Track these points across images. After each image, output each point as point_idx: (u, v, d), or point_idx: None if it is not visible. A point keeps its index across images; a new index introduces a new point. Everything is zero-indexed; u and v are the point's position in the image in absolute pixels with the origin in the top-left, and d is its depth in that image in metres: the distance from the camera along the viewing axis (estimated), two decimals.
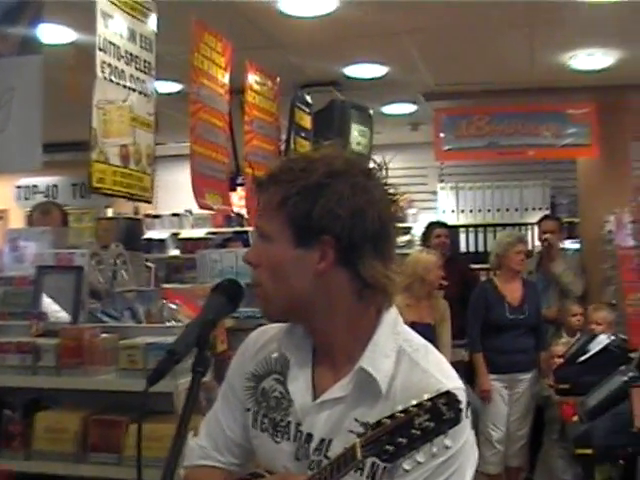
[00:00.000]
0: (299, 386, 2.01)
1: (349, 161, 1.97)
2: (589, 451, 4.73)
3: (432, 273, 6.87)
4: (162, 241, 12.39)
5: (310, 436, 1.97)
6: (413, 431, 1.63)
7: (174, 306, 4.49)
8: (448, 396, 1.65)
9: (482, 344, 7.25)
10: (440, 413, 1.63)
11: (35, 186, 11.78)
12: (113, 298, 4.38)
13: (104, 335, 4.02)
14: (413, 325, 5.96)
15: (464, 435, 1.88)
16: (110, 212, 11.43)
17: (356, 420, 1.90)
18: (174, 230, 12.63)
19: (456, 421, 1.65)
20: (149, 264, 5.47)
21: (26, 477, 4.00)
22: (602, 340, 6.19)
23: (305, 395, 2.00)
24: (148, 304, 4.40)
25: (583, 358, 6.13)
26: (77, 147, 9.96)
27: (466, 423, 1.87)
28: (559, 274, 8.13)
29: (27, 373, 4.01)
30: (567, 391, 6.09)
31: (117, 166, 4.58)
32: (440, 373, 1.94)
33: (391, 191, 2.00)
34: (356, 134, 8.95)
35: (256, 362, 2.14)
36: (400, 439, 1.64)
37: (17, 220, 13.06)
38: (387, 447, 1.66)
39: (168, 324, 4.29)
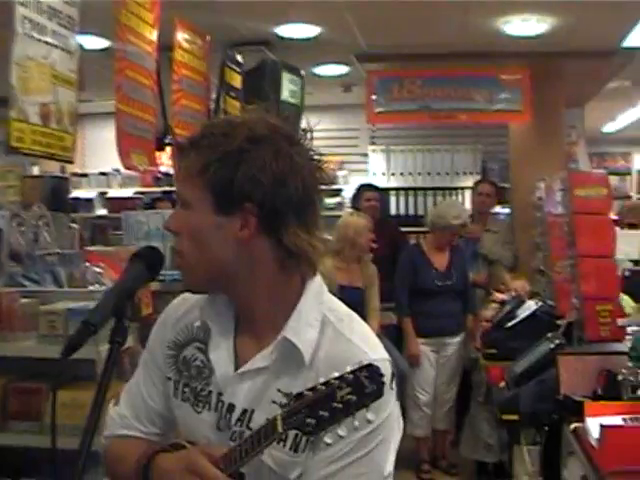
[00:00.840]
0: (221, 355, 1.98)
1: (272, 126, 1.92)
2: (515, 417, 4.76)
3: (363, 237, 6.85)
4: (89, 200, 12.22)
5: (232, 406, 1.94)
6: (335, 404, 1.61)
7: (98, 269, 4.40)
8: (370, 369, 1.63)
9: (410, 308, 7.27)
10: (362, 386, 1.61)
11: None
12: (34, 261, 4.27)
13: (24, 300, 3.94)
14: (343, 288, 5.94)
15: (388, 408, 1.87)
16: (36, 170, 11.19)
17: (279, 391, 1.87)
18: (102, 189, 12.46)
19: (378, 394, 1.63)
20: (73, 225, 5.34)
21: None
22: (530, 306, 6.22)
23: (227, 364, 1.96)
24: (70, 267, 4.31)
25: (511, 324, 6.16)
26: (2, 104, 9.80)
27: (390, 396, 1.86)
28: (486, 252, 8.16)
29: None
30: (494, 356, 6.13)
31: (37, 125, 4.42)
32: (364, 343, 1.92)
33: (316, 157, 1.95)
34: (287, 94, 8.84)
35: (177, 330, 2.09)
36: (322, 412, 1.63)
37: None
38: (309, 420, 1.64)
39: (91, 288, 4.20)
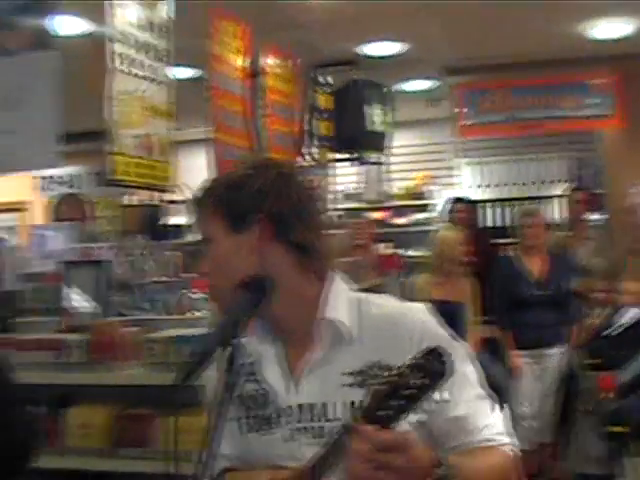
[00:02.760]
0: (274, 372, 2.09)
1: (269, 159, 2.42)
2: (623, 429, 4.69)
3: (457, 250, 6.84)
4: (180, 227, 12.35)
5: (302, 406, 2.03)
6: (408, 392, 1.64)
7: (199, 295, 4.48)
8: (435, 351, 1.67)
9: (509, 320, 7.20)
10: (431, 370, 1.64)
11: (59, 176, 11.76)
12: (140, 290, 4.36)
13: (132, 329, 4.00)
14: (439, 303, 5.91)
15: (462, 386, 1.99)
16: (133, 199, 11.40)
17: (342, 374, 1.98)
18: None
19: (444, 373, 1.66)
20: (173, 253, 5.44)
21: (58, 473, 4.00)
22: (634, 313, 6.11)
23: (283, 376, 2.08)
24: (174, 295, 4.39)
25: (615, 332, 6.06)
26: (98, 136, 9.99)
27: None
28: (585, 261, 8.03)
29: (56, 369, 4.01)
30: (599, 366, 6.03)
31: (136, 157, 4.54)
32: (401, 303, 2.14)
33: (304, 179, 2.20)
34: (374, 113, 8.91)
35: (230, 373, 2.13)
36: (397, 402, 1.65)
37: (39, 211, 13.10)
38: (385, 412, 1.66)
39: (195, 314, 4.28)
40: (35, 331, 4.23)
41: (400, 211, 11.85)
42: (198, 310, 4.35)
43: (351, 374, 1.96)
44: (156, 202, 8.85)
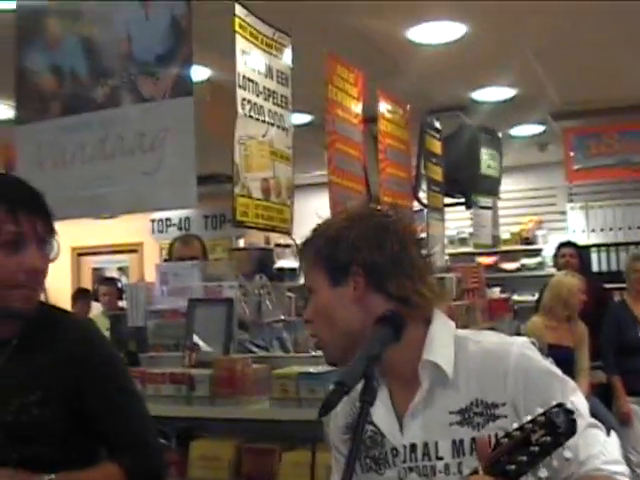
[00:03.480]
0: (382, 415, 2.16)
1: (367, 208, 2.34)
2: None
3: (575, 297, 6.84)
4: (293, 270, 12.52)
5: (413, 446, 2.09)
6: (531, 448, 1.67)
7: None
8: (560, 408, 1.69)
9: (618, 366, 7.15)
10: (555, 426, 1.67)
11: (169, 219, 12.04)
12: (261, 328, 4.48)
13: (255, 365, 4.12)
14: (551, 347, 5.89)
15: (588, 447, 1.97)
16: (242, 243, 11.61)
17: (447, 412, 2.06)
18: None
19: (572, 432, 1.69)
20: (289, 294, 5.57)
21: None
22: None
23: (390, 418, 2.15)
24: (295, 333, 4.49)
25: None
26: (209, 180, 10.21)
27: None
28: None
29: (182, 403, 4.13)
30: None
31: (259, 199, 4.68)
32: (500, 339, 2.17)
33: (408, 222, 2.29)
34: (486, 158, 8.96)
35: (344, 414, 2.26)
36: (520, 457, 1.68)
37: (152, 252, 13.41)
38: (509, 467, 1.69)
39: (314, 353, 4.37)
40: (160, 366, 4.37)
41: (508, 256, 11.84)
42: (316, 349, 4.44)
43: (455, 413, 2.04)
44: (268, 246, 9.03)
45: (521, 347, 2.09)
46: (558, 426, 1.67)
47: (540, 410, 1.71)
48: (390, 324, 2.08)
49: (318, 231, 2.23)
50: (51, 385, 2.29)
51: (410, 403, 2.11)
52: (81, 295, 10.31)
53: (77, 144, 4.06)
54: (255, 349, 4.38)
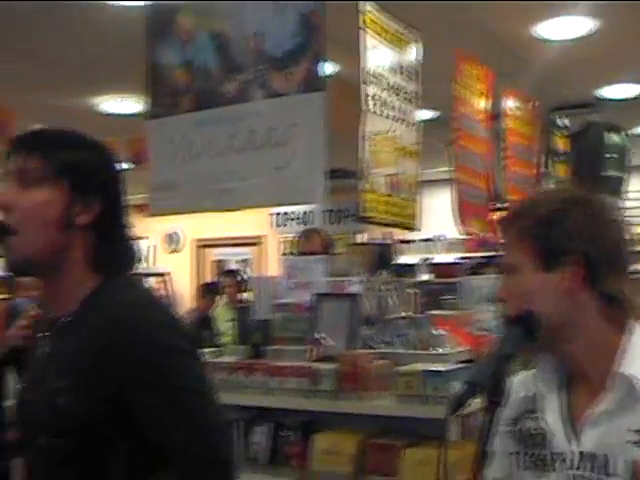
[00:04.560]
0: (555, 417, 2.06)
1: (581, 194, 2.13)
2: None
3: None
4: (412, 266, 12.49)
5: (590, 456, 1.98)
6: None
7: (442, 332, 4.55)
8: None
9: None
10: None
11: (290, 213, 12.13)
12: (385, 324, 4.47)
13: (379, 361, 4.12)
14: None
15: None
16: (363, 237, 11.62)
17: (628, 430, 1.92)
18: (425, 255, 12.72)
19: None
20: (412, 290, 5.55)
21: None
22: None
23: (564, 420, 2.04)
24: (419, 330, 4.47)
25: None
26: (330, 175, 10.25)
27: None
28: None
29: (305, 396, 4.16)
30: None
31: (385, 195, 4.68)
32: None
33: (622, 218, 2.13)
34: (613, 156, 8.78)
35: (511, 406, 2.16)
36: None
37: (272, 246, 13.55)
38: None
39: (439, 351, 4.35)
40: (284, 359, 4.41)
41: (636, 256, 11.57)
42: (440, 347, 4.42)
43: (634, 431, 1.90)
44: (388, 241, 9.02)
45: None
46: None
47: None
48: (524, 324, 2.02)
49: (524, 208, 2.11)
50: (82, 373, 2.05)
51: (589, 409, 2.00)
52: (207, 289, 10.47)
53: (207, 138, 4.12)
54: (379, 345, 4.37)
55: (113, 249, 2.19)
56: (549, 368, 2.12)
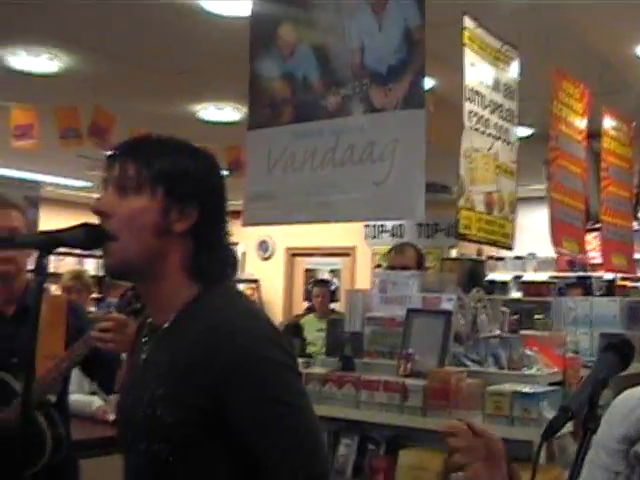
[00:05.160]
0: None
1: None
2: None
3: None
4: (504, 283, 12.43)
5: None
6: None
7: (532, 353, 4.51)
8: None
9: None
10: None
11: (382, 225, 12.13)
12: (476, 343, 4.45)
13: (469, 379, 4.10)
14: None
15: None
16: (454, 253, 11.59)
17: None
18: (516, 272, 12.64)
19: None
20: (504, 309, 5.52)
21: None
22: None
23: None
24: (509, 350, 4.44)
25: None
26: (429, 188, 10.25)
27: None
28: None
29: (394, 411, 4.16)
30: None
31: (482, 213, 4.67)
32: None
33: None
34: None
35: (628, 424, 2.10)
36: None
37: (364, 257, 13.59)
38: None
39: (528, 372, 4.32)
40: (375, 372, 4.41)
41: None
42: (530, 367, 4.39)
43: None
44: (481, 258, 9.01)
45: None
46: None
47: None
48: (617, 351, 2.02)
49: None
50: (180, 381, 2.07)
51: None
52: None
53: (307, 151, 4.15)
54: (469, 363, 4.35)
55: (212, 257, 2.21)
56: None
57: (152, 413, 2.07)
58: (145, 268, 2.16)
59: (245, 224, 4.47)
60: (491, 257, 12.11)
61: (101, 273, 14.26)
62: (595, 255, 8.07)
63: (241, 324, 2.10)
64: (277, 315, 13.82)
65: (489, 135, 4.79)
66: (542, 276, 12.30)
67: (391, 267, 5.85)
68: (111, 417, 5.31)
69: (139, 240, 2.13)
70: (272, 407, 2.06)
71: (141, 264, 2.15)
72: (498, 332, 4.75)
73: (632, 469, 2.06)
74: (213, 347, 2.05)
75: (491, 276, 12.03)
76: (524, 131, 8.42)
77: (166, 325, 2.18)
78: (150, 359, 2.20)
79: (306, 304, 10.52)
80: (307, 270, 15.13)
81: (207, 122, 9.33)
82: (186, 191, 2.16)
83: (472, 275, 8.46)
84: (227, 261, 2.29)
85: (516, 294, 12.30)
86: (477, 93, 4.72)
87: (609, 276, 10.06)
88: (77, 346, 3.53)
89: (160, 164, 2.15)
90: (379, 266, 11.38)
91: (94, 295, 10.30)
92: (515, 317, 8.61)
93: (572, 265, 11.60)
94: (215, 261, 2.22)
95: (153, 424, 2.08)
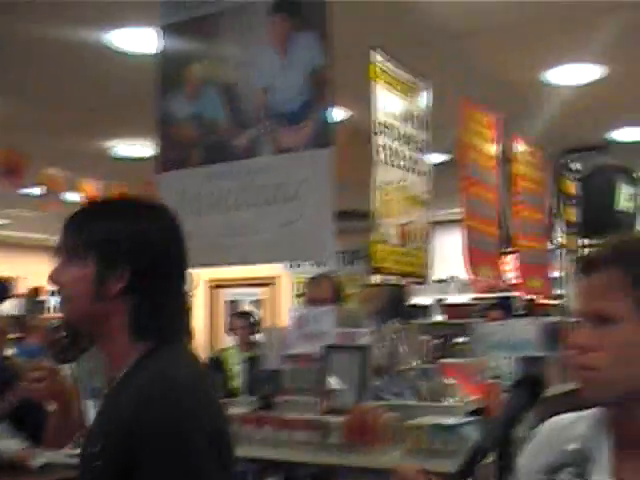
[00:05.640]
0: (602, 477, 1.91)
1: None
2: None
3: None
4: (426, 307, 12.49)
5: None
6: None
7: (451, 382, 4.53)
8: None
9: None
10: None
11: None
12: (395, 375, 4.45)
13: (389, 414, 4.10)
14: None
15: None
16: (375, 279, 11.60)
17: None
18: (438, 296, 12.71)
19: None
20: (424, 337, 5.53)
21: None
22: None
23: None
24: (429, 381, 4.45)
25: None
26: (343, 216, 10.23)
27: None
28: None
29: (315, 449, 4.14)
30: None
31: (396, 246, 4.69)
32: None
33: None
34: (623, 198, 8.78)
35: (554, 453, 2.02)
36: None
37: (286, 287, 13.55)
38: None
39: (448, 403, 4.32)
40: (293, 411, 4.39)
41: None
42: (450, 397, 4.40)
43: None
44: (402, 282, 9.03)
45: None
46: None
47: None
48: (529, 387, 1.99)
49: (617, 249, 1.94)
50: (109, 439, 2.08)
51: None
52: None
53: (218, 193, 4.12)
54: (389, 397, 4.35)
55: (154, 315, 2.20)
56: (602, 428, 1.97)
57: (91, 468, 2.09)
58: (90, 329, 2.26)
59: None
60: (413, 282, 12.14)
61: (19, 312, 14.07)
62: (514, 275, 8.17)
63: (171, 394, 2.07)
64: (199, 349, 13.65)
65: (401, 167, 4.81)
66: (464, 298, 12.40)
67: (309, 300, 5.82)
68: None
69: (80, 305, 2.20)
70: None
71: (85, 326, 2.28)
72: (417, 363, 4.76)
73: None
74: (138, 413, 2.04)
75: (413, 300, 12.06)
76: (440, 157, 8.49)
77: (116, 382, 2.20)
78: (100, 412, 2.24)
79: (228, 336, 10.42)
80: (229, 301, 15.05)
81: (120, 159, 9.25)
82: (115, 254, 2.18)
83: (394, 300, 8.48)
84: (176, 319, 2.28)
85: (439, 317, 12.39)
86: (387, 126, 4.74)
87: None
88: (6, 397, 3.48)
89: (91, 230, 2.21)
90: (301, 295, 11.34)
91: (12, 335, 10.13)
92: (436, 342, 8.68)
93: (492, 286, 11.70)
94: (159, 318, 2.21)
95: (89, 476, 2.12)
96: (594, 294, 1.90)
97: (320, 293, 5.71)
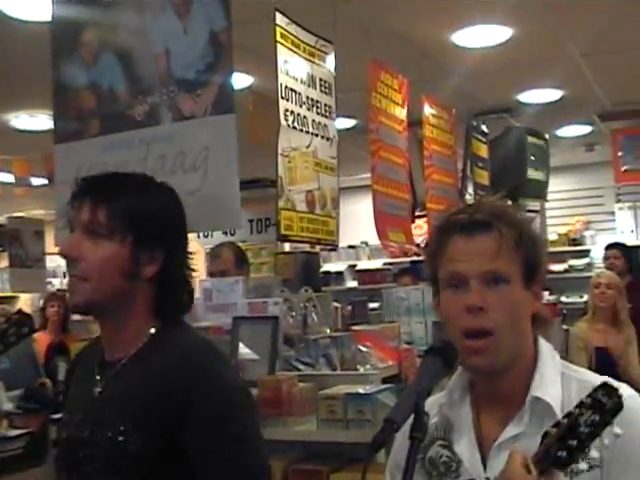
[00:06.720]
0: (465, 443, 2.01)
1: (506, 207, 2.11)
2: None
3: (617, 297, 6.68)
4: (340, 274, 12.49)
5: None
6: (580, 430, 1.64)
7: (365, 349, 4.48)
8: (605, 387, 1.67)
9: None
10: (601, 404, 1.64)
11: None
12: (307, 344, 4.38)
13: (302, 384, 4.02)
14: (598, 350, 5.79)
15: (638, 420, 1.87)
16: (287, 246, 11.54)
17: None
18: (351, 262, 12.71)
19: (619, 407, 1.65)
20: (335, 304, 5.48)
21: None
22: None
23: (472, 449, 1.99)
24: (342, 349, 4.40)
25: None
26: (253, 184, 10.12)
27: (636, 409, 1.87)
28: None
29: None
30: None
31: (303, 212, 4.60)
32: (611, 381, 1.88)
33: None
34: (533, 160, 8.86)
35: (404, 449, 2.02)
36: (570, 442, 1.65)
37: (198, 256, 13.37)
38: (560, 453, 1.66)
39: (362, 371, 4.27)
40: None
41: (556, 257, 11.64)
42: (364, 365, 4.35)
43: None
44: (314, 249, 8.99)
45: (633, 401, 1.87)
46: (604, 403, 1.64)
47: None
48: (440, 355, 1.96)
49: (509, 215, 1.99)
50: (144, 412, 2.13)
51: (500, 436, 1.95)
52: None
53: (117, 163, 3.94)
54: (301, 366, 4.28)
55: (175, 298, 2.30)
56: (459, 387, 2.07)
57: (114, 444, 2.11)
58: (112, 308, 2.24)
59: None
60: (324, 248, 12.11)
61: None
62: (426, 238, 8.18)
63: (207, 362, 2.20)
64: None
65: (307, 132, 4.72)
66: (376, 264, 12.42)
67: (210, 274, 5.69)
68: None
69: (109, 283, 2.20)
70: (229, 443, 2.13)
71: (108, 305, 2.23)
72: (329, 331, 4.71)
73: (430, 475, 2.06)
74: (182, 379, 2.13)
75: (326, 267, 12.06)
76: (347, 122, 8.44)
77: (124, 361, 2.23)
78: (107, 393, 2.23)
79: None
80: None
81: (21, 131, 8.97)
82: (154, 236, 2.22)
83: (307, 268, 8.45)
84: (187, 300, 2.36)
85: (352, 283, 12.40)
86: (293, 90, 4.64)
87: None
88: None
89: (128, 210, 2.20)
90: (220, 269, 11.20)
91: None
92: (349, 309, 8.67)
93: (405, 251, 11.73)
94: (177, 302, 2.30)
95: (116, 455, 2.12)
96: (486, 255, 1.94)
97: (220, 265, 5.59)
